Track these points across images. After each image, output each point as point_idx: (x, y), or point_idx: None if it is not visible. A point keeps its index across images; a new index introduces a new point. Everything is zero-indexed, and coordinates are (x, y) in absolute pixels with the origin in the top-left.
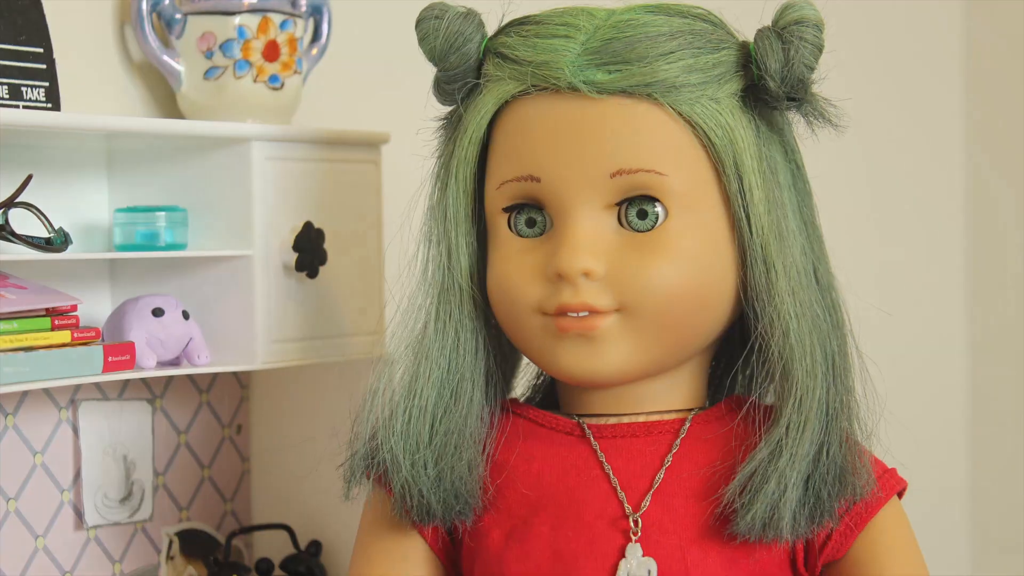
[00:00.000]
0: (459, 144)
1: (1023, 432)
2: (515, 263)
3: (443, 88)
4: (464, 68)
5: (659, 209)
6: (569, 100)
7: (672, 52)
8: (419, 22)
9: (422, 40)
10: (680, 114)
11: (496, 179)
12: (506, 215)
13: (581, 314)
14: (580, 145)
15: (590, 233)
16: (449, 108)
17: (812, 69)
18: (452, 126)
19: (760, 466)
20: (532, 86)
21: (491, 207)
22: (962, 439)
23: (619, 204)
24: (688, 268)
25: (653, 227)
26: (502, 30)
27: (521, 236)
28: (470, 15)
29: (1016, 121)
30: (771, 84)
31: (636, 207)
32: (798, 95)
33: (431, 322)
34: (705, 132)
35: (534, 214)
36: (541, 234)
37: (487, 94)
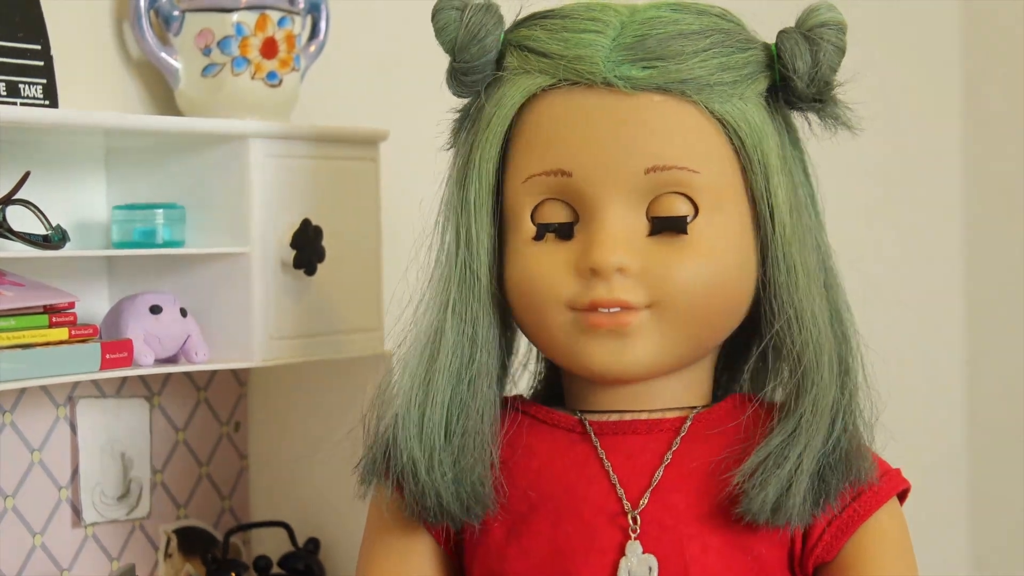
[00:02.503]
0: (480, 137)
1: (1022, 433)
2: (542, 258)
3: (461, 80)
4: (484, 60)
5: (690, 206)
6: (602, 95)
7: (706, 50)
8: (437, 12)
9: (440, 31)
10: (712, 112)
11: (522, 173)
12: (531, 209)
13: (612, 310)
14: (614, 140)
15: (623, 229)
16: (465, 100)
17: (835, 71)
18: (472, 119)
19: (775, 450)
20: (562, 80)
21: (514, 201)
22: (960, 440)
23: (650, 200)
24: (716, 265)
25: (684, 224)
26: (522, 23)
27: (548, 231)
28: (490, 7)
29: (1015, 120)
30: (799, 85)
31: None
32: (823, 97)
33: (449, 316)
34: (735, 130)
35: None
36: (568, 229)
37: (511, 87)
